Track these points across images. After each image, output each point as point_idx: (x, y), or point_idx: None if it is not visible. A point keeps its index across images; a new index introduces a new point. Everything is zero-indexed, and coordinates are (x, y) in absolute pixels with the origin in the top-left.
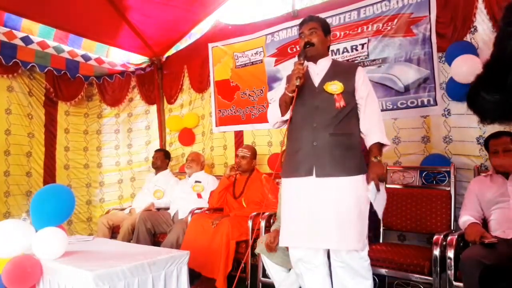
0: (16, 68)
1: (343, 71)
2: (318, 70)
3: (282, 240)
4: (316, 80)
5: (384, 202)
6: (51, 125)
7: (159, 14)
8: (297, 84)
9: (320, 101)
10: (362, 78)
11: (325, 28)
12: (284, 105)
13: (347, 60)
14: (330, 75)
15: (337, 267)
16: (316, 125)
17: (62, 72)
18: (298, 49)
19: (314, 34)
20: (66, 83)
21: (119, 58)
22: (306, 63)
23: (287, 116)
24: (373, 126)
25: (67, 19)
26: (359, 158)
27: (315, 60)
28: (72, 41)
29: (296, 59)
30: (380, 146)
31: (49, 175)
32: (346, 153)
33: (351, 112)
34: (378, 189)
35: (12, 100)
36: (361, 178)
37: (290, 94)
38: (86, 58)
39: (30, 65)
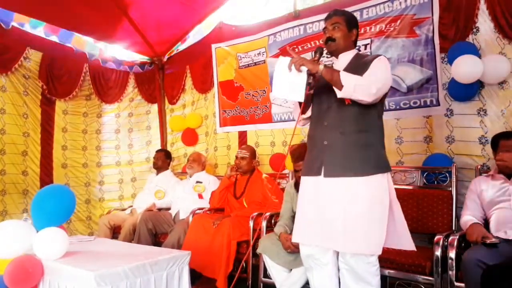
0: (9, 66)
1: (362, 64)
2: (339, 65)
3: (294, 236)
4: None
5: (294, 89)
6: (48, 124)
7: (160, 13)
8: (309, 81)
9: (333, 99)
10: (372, 66)
11: (350, 22)
12: (303, 103)
13: None
14: (348, 70)
15: (342, 269)
16: (327, 124)
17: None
18: (301, 49)
19: (337, 29)
20: (60, 80)
21: (121, 52)
22: (330, 59)
23: (308, 114)
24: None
25: (68, 17)
26: (376, 157)
27: (337, 55)
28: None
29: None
30: (337, 75)
31: (46, 174)
32: (358, 152)
33: (366, 108)
34: (290, 68)
35: (6, 100)
36: (377, 178)
37: (308, 92)
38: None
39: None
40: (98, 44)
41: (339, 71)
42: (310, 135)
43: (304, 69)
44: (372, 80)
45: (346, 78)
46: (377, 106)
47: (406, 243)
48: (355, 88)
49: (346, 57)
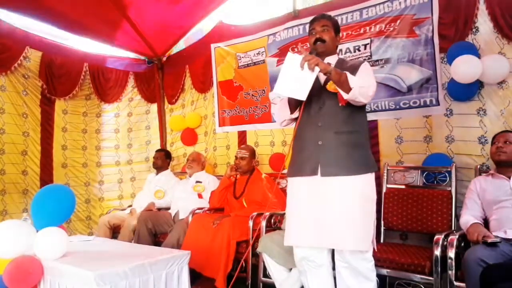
0: (9, 65)
1: (349, 68)
2: None
3: (287, 239)
4: (322, 78)
5: (304, 87)
6: (48, 124)
7: (160, 13)
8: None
9: (324, 100)
10: (362, 70)
11: (336, 27)
12: (293, 103)
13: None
14: None
15: (340, 267)
16: (321, 124)
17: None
18: (300, 49)
19: (326, 32)
20: (59, 79)
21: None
22: None
23: (296, 114)
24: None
25: (67, 18)
26: (366, 157)
27: (323, 58)
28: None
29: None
30: (345, 77)
31: (46, 174)
32: (352, 151)
33: (356, 109)
34: (311, 68)
35: (5, 100)
36: (368, 177)
37: None
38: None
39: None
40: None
41: (346, 74)
42: (301, 136)
43: (317, 69)
44: (369, 83)
45: (352, 81)
46: (365, 108)
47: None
48: (360, 90)
49: (330, 62)
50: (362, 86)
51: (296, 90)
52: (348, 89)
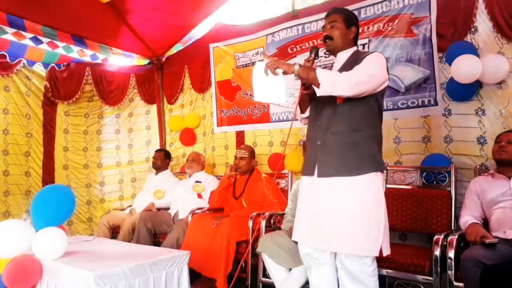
0: (12, 67)
1: (357, 61)
2: (337, 64)
3: (293, 234)
4: None
5: (277, 91)
6: (50, 125)
7: (159, 16)
8: (303, 82)
9: (326, 99)
10: (364, 61)
11: (348, 20)
12: (300, 102)
13: None
14: (345, 67)
15: (339, 269)
16: (320, 124)
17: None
18: (299, 49)
19: (334, 28)
20: (63, 83)
21: (122, 60)
22: (329, 58)
23: (307, 113)
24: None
25: (67, 20)
26: (367, 156)
27: (335, 54)
28: (77, 41)
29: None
30: (313, 73)
31: (48, 175)
32: (350, 151)
33: (358, 106)
34: (268, 73)
35: (9, 100)
36: (369, 177)
37: (303, 92)
38: (94, 58)
39: (36, 64)
40: (108, 66)
41: (315, 69)
42: (307, 135)
43: (280, 71)
44: (353, 73)
45: (322, 75)
46: (372, 104)
47: (386, 246)
48: (333, 83)
49: (344, 55)
50: (337, 79)
51: (272, 95)
52: (318, 85)
